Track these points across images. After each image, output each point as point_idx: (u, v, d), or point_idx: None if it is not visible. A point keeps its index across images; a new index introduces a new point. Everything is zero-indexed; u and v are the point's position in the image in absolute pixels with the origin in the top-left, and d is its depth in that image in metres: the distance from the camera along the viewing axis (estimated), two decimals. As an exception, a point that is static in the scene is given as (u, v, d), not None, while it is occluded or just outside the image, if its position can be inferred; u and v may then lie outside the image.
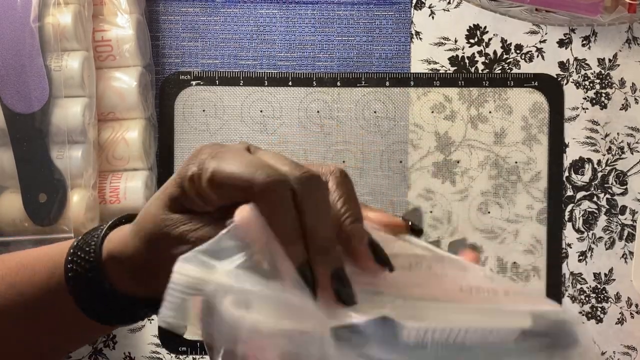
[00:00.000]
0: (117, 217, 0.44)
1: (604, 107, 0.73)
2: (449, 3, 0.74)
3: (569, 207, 0.74)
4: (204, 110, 0.74)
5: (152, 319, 0.72)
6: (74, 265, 0.42)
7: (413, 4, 0.74)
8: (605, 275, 0.74)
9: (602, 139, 0.74)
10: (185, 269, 0.31)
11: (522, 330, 0.35)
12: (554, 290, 0.73)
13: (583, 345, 0.35)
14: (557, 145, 0.73)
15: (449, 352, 0.33)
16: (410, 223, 0.37)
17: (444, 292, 0.35)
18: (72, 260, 0.42)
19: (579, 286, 0.74)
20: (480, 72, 0.74)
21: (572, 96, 0.74)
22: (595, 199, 0.74)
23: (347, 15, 0.74)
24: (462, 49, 0.74)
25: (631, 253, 0.73)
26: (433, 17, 0.74)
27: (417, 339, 0.33)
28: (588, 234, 0.74)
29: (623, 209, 0.74)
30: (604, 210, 0.74)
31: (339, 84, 0.74)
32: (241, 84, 0.74)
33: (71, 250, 0.42)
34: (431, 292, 0.35)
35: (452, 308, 0.35)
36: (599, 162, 0.74)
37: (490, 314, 0.35)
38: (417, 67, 0.74)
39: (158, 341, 0.73)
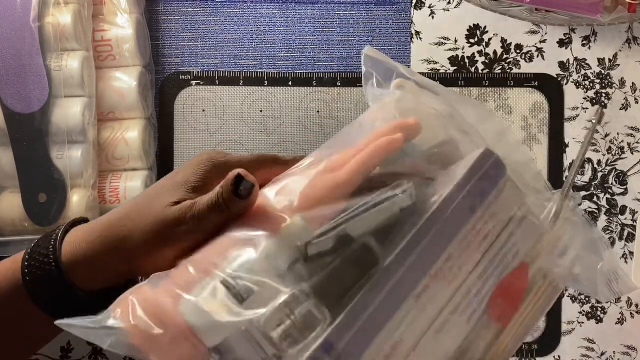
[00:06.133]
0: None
1: (604, 107, 0.73)
2: (449, 3, 0.74)
3: (569, 207, 0.74)
4: (204, 110, 0.73)
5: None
6: (32, 268, 0.44)
7: (413, 4, 0.74)
8: (606, 275, 0.74)
9: (602, 138, 0.73)
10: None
11: None
12: (554, 290, 0.73)
13: None
14: (557, 145, 0.73)
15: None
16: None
17: None
18: (29, 265, 0.44)
19: (579, 286, 0.74)
20: (480, 72, 0.74)
21: (572, 96, 0.74)
22: (595, 199, 0.74)
23: (347, 15, 0.74)
24: (462, 49, 0.74)
25: (631, 253, 0.73)
26: (433, 17, 0.74)
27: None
28: (588, 234, 0.74)
29: (623, 209, 0.74)
30: (604, 210, 0.74)
31: (339, 84, 0.73)
32: (241, 84, 0.74)
33: (27, 256, 0.45)
34: None
35: None
36: (599, 162, 0.74)
37: None
38: (417, 67, 0.74)
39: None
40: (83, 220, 0.50)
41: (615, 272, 0.43)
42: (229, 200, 0.41)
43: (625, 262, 0.73)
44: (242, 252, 0.39)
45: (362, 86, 0.74)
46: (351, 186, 0.42)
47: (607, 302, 0.73)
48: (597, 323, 0.73)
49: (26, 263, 0.45)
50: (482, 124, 0.44)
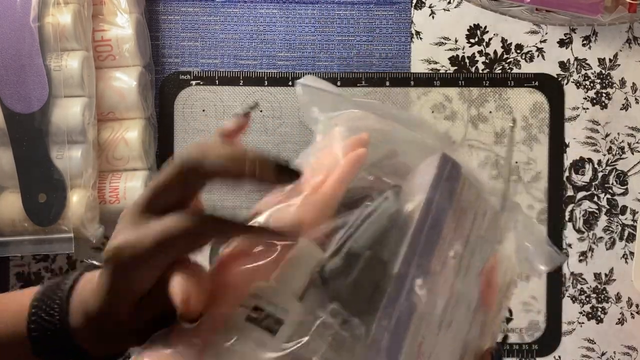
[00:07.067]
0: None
1: (604, 107, 0.73)
2: (449, 3, 0.74)
3: (570, 207, 0.73)
4: (203, 110, 0.73)
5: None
6: (37, 325, 0.43)
7: (413, 4, 0.74)
8: (606, 275, 0.74)
9: (602, 139, 0.73)
10: None
11: None
12: (554, 291, 0.73)
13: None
14: (557, 145, 0.73)
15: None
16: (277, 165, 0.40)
17: None
18: (34, 321, 0.43)
19: (579, 286, 0.73)
20: (480, 72, 0.73)
21: (573, 96, 0.73)
22: (595, 199, 0.74)
23: (347, 15, 0.74)
24: (463, 49, 0.74)
25: (631, 253, 0.73)
26: (433, 17, 0.74)
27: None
28: (588, 234, 0.74)
29: (623, 209, 0.74)
30: (604, 210, 0.74)
31: (339, 84, 0.73)
32: (241, 84, 0.74)
33: (32, 309, 0.43)
34: None
35: None
36: (600, 162, 0.73)
37: None
38: (417, 67, 0.74)
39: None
40: (91, 266, 0.49)
41: (541, 243, 0.46)
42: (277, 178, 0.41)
43: (626, 262, 0.73)
44: (256, 285, 0.39)
45: (362, 86, 0.74)
46: (336, 202, 0.42)
47: (608, 303, 0.73)
48: (597, 323, 0.73)
49: (32, 318, 0.43)
50: (418, 132, 0.46)
